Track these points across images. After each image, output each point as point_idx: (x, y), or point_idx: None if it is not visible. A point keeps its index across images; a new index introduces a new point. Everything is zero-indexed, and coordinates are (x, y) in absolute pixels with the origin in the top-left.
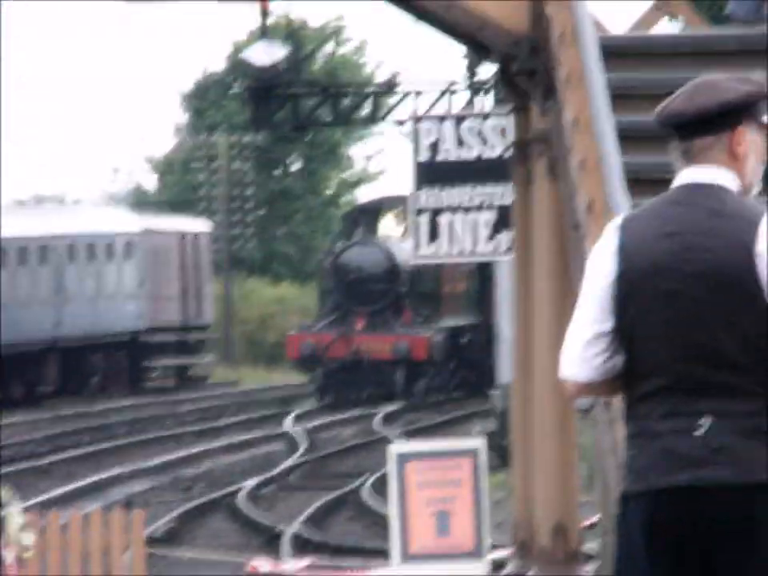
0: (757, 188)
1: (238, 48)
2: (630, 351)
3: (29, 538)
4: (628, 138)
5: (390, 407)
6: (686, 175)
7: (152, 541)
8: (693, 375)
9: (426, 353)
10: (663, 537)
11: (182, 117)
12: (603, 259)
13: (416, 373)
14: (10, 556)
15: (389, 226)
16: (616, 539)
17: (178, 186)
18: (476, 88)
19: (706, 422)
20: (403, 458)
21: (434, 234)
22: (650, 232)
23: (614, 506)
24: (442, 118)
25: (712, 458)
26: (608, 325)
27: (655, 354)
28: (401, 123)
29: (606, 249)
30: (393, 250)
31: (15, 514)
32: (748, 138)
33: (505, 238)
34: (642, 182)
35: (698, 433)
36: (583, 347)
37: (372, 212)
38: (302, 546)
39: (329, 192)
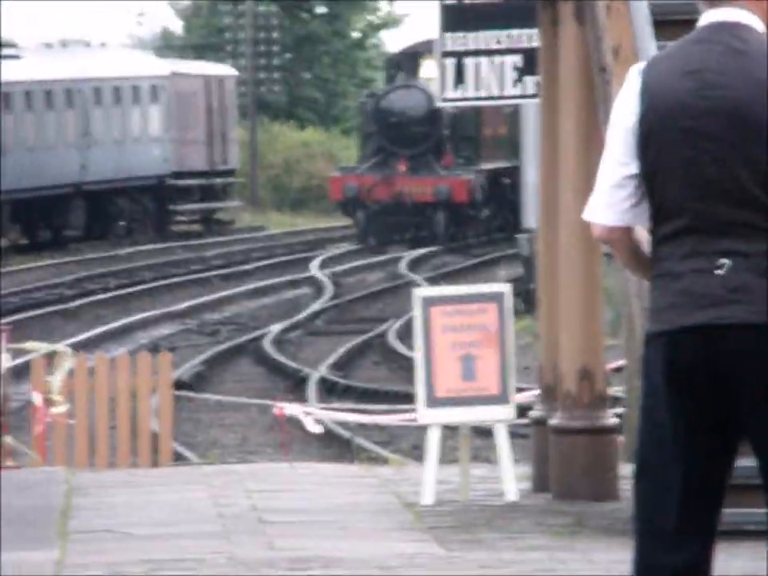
0: None
1: None
2: (653, 192)
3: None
4: None
5: (421, 250)
6: (709, 15)
7: (179, 384)
8: (713, 214)
9: (467, 195)
10: (683, 375)
11: None
12: (626, 101)
13: (458, 215)
14: (38, 398)
15: (430, 70)
16: (641, 380)
17: (204, 29)
18: None
19: (725, 262)
20: (428, 302)
21: (460, 78)
22: (672, 72)
23: (640, 349)
24: None
25: (731, 298)
26: (633, 167)
27: (676, 194)
28: None
29: (629, 91)
30: (434, 93)
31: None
32: None
33: (531, 81)
34: (668, 23)
35: (718, 272)
36: (610, 191)
37: (413, 56)
38: (329, 390)
39: (355, 35)
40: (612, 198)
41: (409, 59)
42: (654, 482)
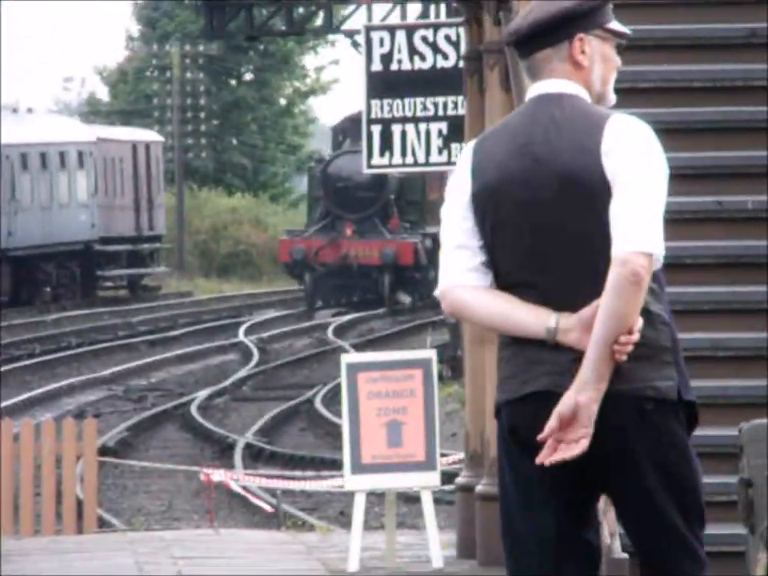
0: (611, 100)
1: None
2: (492, 263)
3: None
4: None
5: (348, 317)
6: (534, 89)
7: (104, 450)
8: (550, 284)
9: (412, 258)
10: (524, 440)
11: (134, 26)
12: (459, 179)
13: (403, 277)
14: None
15: None
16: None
17: (131, 96)
18: None
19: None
20: (354, 368)
21: (386, 144)
22: (501, 146)
23: None
24: (394, 28)
25: (572, 366)
26: (472, 236)
27: (512, 265)
28: (352, 34)
29: (462, 168)
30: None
31: None
32: (591, 46)
33: (457, 148)
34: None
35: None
36: (452, 254)
37: (359, 122)
38: (255, 456)
39: (282, 102)
40: (453, 261)
41: (355, 125)
42: (519, 539)
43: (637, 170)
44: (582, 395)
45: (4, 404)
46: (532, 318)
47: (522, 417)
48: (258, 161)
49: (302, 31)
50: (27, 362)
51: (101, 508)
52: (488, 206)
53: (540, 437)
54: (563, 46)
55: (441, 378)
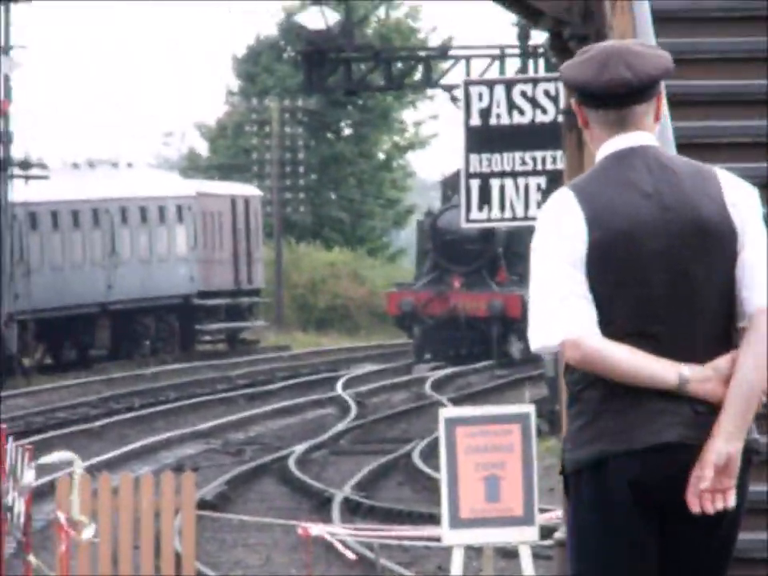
0: None
1: (291, 12)
2: (610, 315)
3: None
4: (679, 102)
5: (475, 365)
6: (626, 140)
7: (203, 504)
8: (679, 333)
9: (520, 310)
10: (650, 495)
11: (234, 81)
12: (568, 230)
13: (511, 330)
14: (62, 517)
15: None
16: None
17: (230, 150)
18: (528, 54)
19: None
20: (453, 423)
21: (484, 198)
22: (620, 197)
23: None
24: (492, 83)
25: (696, 419)
26: (585, 291)
27: (639, 319)
28: (451, 89)
29: (570, 220)
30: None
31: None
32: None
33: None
34: (692, 146)
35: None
36: (568, 304)
37: None
38: (353, 510)
39: (381, 156)
40: (579, 309)
41: None
42: None
43: (761, 224)
44: (732, 446)
45: (103, 458)
46: (662, 368)
47: (648, 468)
48: (356, 215)
49: (401, 86)
50: (126, 416)
51: (199, 562)
52: (614, 255)
53: (702, 487)
54: (654, 101)
55: (539, 432)
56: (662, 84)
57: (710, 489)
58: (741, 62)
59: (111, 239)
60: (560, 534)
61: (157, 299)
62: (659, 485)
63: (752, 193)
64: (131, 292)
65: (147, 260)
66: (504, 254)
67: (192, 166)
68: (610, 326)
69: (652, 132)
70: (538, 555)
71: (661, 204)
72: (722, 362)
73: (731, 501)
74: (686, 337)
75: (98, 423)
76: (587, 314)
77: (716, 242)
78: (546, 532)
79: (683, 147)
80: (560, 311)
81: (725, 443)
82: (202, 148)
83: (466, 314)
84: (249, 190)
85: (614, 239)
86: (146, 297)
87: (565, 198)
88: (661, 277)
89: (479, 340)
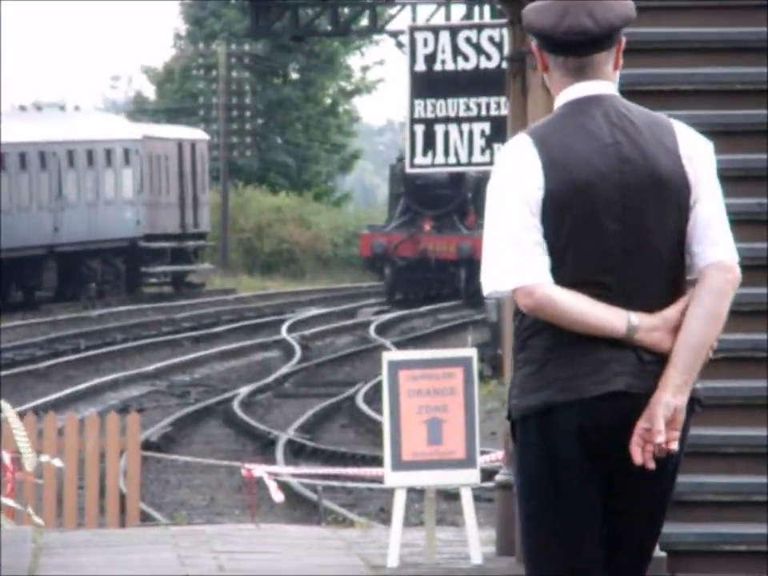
0: None
1: None
2: (562, 264)
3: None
4: (625, 50)
5: (390, 315)
6: (584, 88)
7: (147, 445)
8: (626, 284)
9: None
10: (597, 440)
11: (182, 25)
12: (524, 174)
13: (478, 272)
14: (7, 457)
15: None
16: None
17: (177, 94)
18: (474, 0)
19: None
20: (395, 366)
21: (429, 144)
22: (580, 145)
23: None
24: (438, 29)
25: (643, 368)
26: (539, 236)
27: (589, 266)
28: (396, 35)
29: (526, 164)
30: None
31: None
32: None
33: (499, 148)
34: (637, 94)
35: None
36: (521, 252)
37: None
38: (297, 452)
39: (327, 101)
40: (533, 257)
41: None
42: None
43: (714, 178)
44: (678, 399)
45: (49, 398)
46: (612, 316)
47: (595, 417)
48: (302, 159)
49: (347, 31)
50: (72, 357)
51: (143, 502)
52: (570, 204)
53: (655, 440)
54: (614, 48)
55: (481, 376)
56: (622, 32)
57: (658, 438)
58: (690, 9)
59: (58, 182)
60: (501, 477)
61: (103, 242)
62: (605, 434)
63: (707, 146)
64: (78, 235)
65: (94, 203)
66: (473, 199)
67: (139, 110)
68: (562, 274)
69: (612, 80)
70: (479, 498)
71: (619, 155)
72: (670, 311)
73: (673, 449)
74: (637, 287)
75: (43, 364)
76: (540, 261)
77: (670, 195)
78: (487, 475)
79: (630, 93)
80: (514, 257)
81: (672, 396)
82: (149, 92)
83: (435, 256)
84: (195, 133)
85: (569, 189)
86: (93, 239)
87: (523, 144)
88: (614, 227)
89: (448, 281)
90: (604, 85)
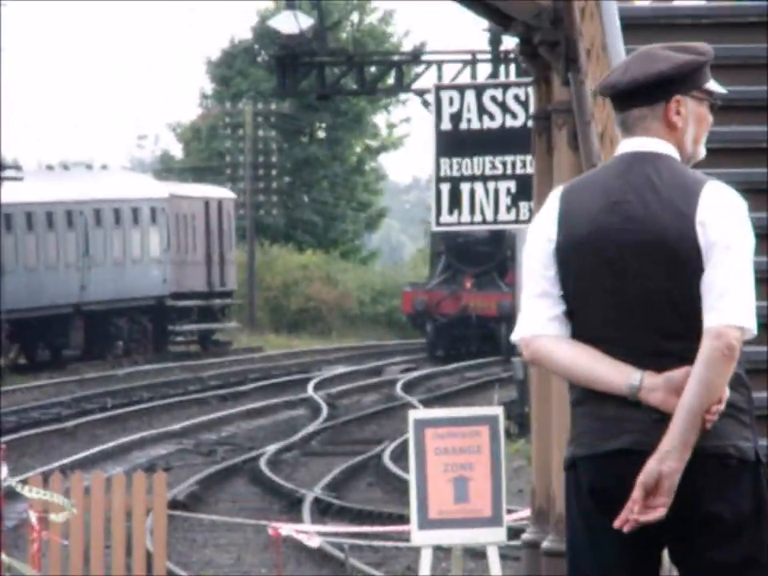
0: (700, 156)
1: (265, 16)
2: (573, 315)
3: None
4: None
5: (416, 373)
6: (626, 145)
7: (174, 504)
8: (631, 343)
9: None
10: (606, 498)
11: (208, 84)
12: (544, 226)
13: None
14: (34, 516)
15: None
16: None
17: (204, 153)
18: (499, 59)
19: None
20: (422, 424)
21: (455, 202)
22: (592, 201)
23: None
24: (463, 87)
25: (654, 426)
26: (555, 284)
27: (596, 321)
28: (422, 93)
29: (547, 216)
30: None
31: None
32: (686, 107)
33: (525, 206)
34: None
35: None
36: (533, 302)
37: None
38: (323, 510)
39: (353, 159)
40: (535, 308)
41: None
42: None
43: (731, 243)
44: (665, 465)
45: (76, 457)
46: (616, 373)
47: (601, 475)
48: (329, 218)
49: (373, 90)
50: (99, 416)
51: (170, 561)
52: (574, 258)
53: (627, 506)
54: (660, 105)
55: (508, 434)
56: (683, 89)
57: (634, 507)
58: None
59: (85, 241)
60: (527, 535)
61: (130, 300)
62: (614, 490)
63: (731, 207)
64: (105, 293)
65: (121, 262)
66: (512, 256)
67: (166, 169)
68: (575, 326)
69: (663, 137)
70: (505, 556)
71: (624, 213)
72: (676, 373)
73: (653, 516)
74: (641, 345)
75: (70, 423)
76: (543, 312)
77: (674, 258)
78: (514, 533)
79: None
80: (523, 309)
81: (657, 462)
82: (176, 150)
83: (476, 313)
84: (222, 192)
85: (572, 243)
86: (120, 298)
87: (552, 197)
88: (612, 284)
89: (489, 338)
90: (647, 141)
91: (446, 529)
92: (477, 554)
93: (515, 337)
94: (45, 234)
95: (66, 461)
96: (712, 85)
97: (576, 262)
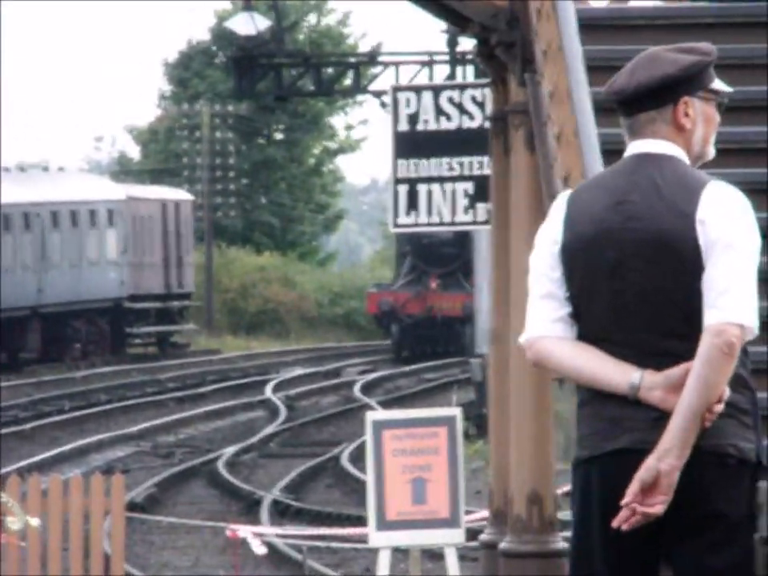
0: (709, 156)
1: (222, 17)
2: (578, 316)
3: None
4: (605, 109)
5: (374, 374)
6: (633, 147)
7: (132, 506)
8: (635, 343)
9: None
10: (610, 499)
11: (166, 86)
12: (550, 228)
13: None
14: None
15: None
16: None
17: (161, 155)
18: (456, 60)
19: None
20: (380, 426)
21: (412, 203)
22: (597, 202)
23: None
24: (420, 89)
25: (654, 424)
26: (560, 286)
27: (600, 321)
28: (379, 95)
29: (554, 218)
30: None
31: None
32: (694, 108)
33: (482, 208)
34: (618, 153)
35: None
36: (539, 303)
37: None
38: (282, 512)
39: (311, 161)
40: (540, 310)
41: None
42: None
43: (732, 241)
44: (664, 463)
45: (33, 460)
46: (616, 373)
47: (603, 475)
48: (287, 220)
49: (331, 92)
50: (56, 418)
51: (128, 563)
52: (578, 258)
53: (622, 502)
54: (667, 108)
55: (466, 435)
56: (690, 90)
57: (629, 504)
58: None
59: (41, 243)
60: (485, 536)
61: (87, 302)
62: (616, 490)
63: (733, 206)
64: (62, 295)
65: (78, 264)
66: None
67: (123, 170)
68: (580, 327)
69: (670, 139)
70: (464, 557)
71: (626, 213)
72: (675, 371)
73: (651, 513)
74: (641, 344)
75: (28, 426)
76: (547, 314)
77: (675, 257)
78: (472, 534)
79: (610, 154)
80: (528, 311)
81: (656, 460)
82: (134, 152)
83: (441, 314)
84: (179, 194)
85: (576, 244)
86: (77, 300)
87: (559, 199)
88: (614, 284)
89: (454, 338)
90: (654, 143)
91: (403, 530)
92: (435, 555)
93: (521, 339)
94: (1, 236)
95: (23, 463)
96: (717, 84)
97: (580, 261)
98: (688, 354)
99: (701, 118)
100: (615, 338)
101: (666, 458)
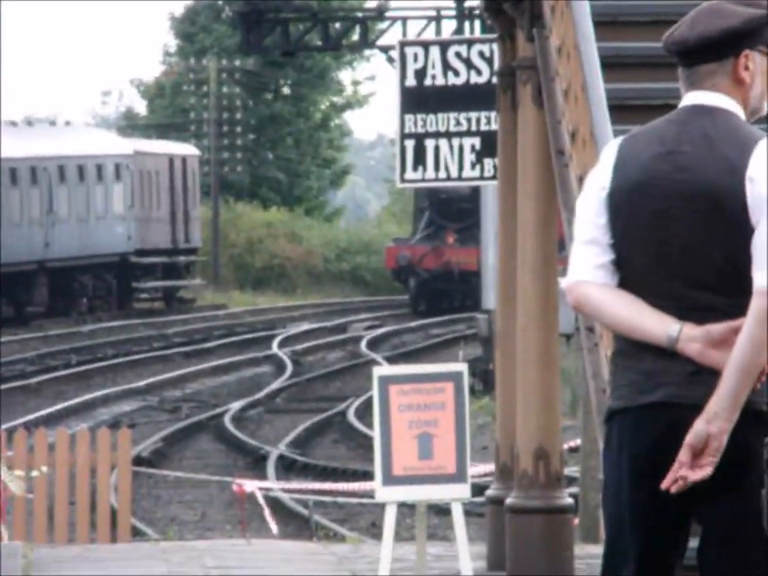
0: (764, 111)
1: None
2: (620, 263)
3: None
4: (613, 65)
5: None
6: (689, 98)
7: (138, 461)
8: (676, 295)
9: None
10: (645, 451)
11: (172, 41)
12: (600, 173)
13: None
14: None
15: None
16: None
17: (168, 109)
18: (464, 15)
19: None
20: (386, 381)
21: (419, 159)
22: (646, 150)
23: (599, 428)
24: (428, 44)
25: (691, 379)
26: (605, 231)
27: (641, 270)
28: (387, 49)
29: (604, 163)
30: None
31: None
32: (755, 62)
33: (490, 163)
34: (625, 109)
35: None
36: (583, 248)
37: None
38: (288, 467)
39: (318, 116)
40: (583, 255)
41: None
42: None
43: None
44: (714, 426)
45: (40, 413)
46: (655, 323)
47: (636, 428)
48: (294, 175)
49: (338, 46)
50: (63, 373)
51: (134, 517)
52: (623, 205)
53: (672, 470)
54: (728, 61)
55: (472, 391)
56: (752, 44)
57: (681, 468)
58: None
59: (49, 197)
60: (491, 492)
61: (94, 257)
62: (649, 444)
63: None
64: (69, 250)
65: (84, 218)
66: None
67: (130, 125)
68: (622, 275)
69: (728, 93)
70: (469, 512)
71: (676, 163)
72: (718, 326)
73: (699, 475)
74: (683, 297)
75: (34, 380)
76: (590, 260)
77: (720, 211)
78: (478, 490)
79: (617, 109)
80: (572, 256)
81: (705, 423)
82: (140, 107)
83: (458, 268)
84: (186, 149)
85: (623, 191)
86: (84, 255)
87: (610, 145)
88: (658, 234)
89: (471, 292)
90: (711, 96)
91: (410, 485)
92: (441, 510)
93: (562, 283)
94: (8, 190)
95: (30, 417)
96: None
97: (625, 208)
98: (729, 309)
99: (760, 72)
100: (655, 289)
101: (715, 421)
